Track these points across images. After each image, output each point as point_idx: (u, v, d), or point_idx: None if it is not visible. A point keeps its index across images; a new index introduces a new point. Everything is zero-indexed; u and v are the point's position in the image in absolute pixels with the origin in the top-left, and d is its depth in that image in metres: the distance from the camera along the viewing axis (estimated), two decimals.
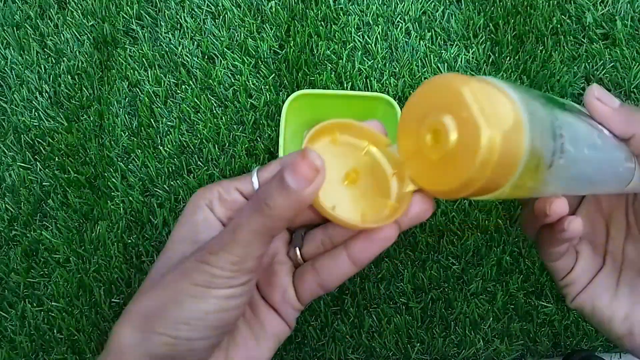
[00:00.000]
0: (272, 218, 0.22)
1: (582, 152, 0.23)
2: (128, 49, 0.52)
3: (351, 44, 0.52)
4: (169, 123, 0.50)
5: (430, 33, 0.53)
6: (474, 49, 0.52)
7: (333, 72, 0.51)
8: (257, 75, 0.51)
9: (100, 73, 0.51)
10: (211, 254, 0.23)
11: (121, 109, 0.51)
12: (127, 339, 0.23)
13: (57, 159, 0.49)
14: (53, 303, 0.47)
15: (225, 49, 0.51)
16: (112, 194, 0.49)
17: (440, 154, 0.20)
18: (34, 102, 0.50)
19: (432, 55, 0.52)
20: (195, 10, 0.52)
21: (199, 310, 0.23)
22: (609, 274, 0.29)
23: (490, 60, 0.52)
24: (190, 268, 0.23)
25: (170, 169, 0.49)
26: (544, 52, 0.52)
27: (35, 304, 0.47)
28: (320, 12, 0.53)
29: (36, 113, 0.50)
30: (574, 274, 0.29)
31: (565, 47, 0.53)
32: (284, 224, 0.22)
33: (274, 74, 0.51)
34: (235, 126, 0.51)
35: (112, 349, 0.24)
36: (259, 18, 0.52)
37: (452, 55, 0.52)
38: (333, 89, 0.51)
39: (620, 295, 0.29)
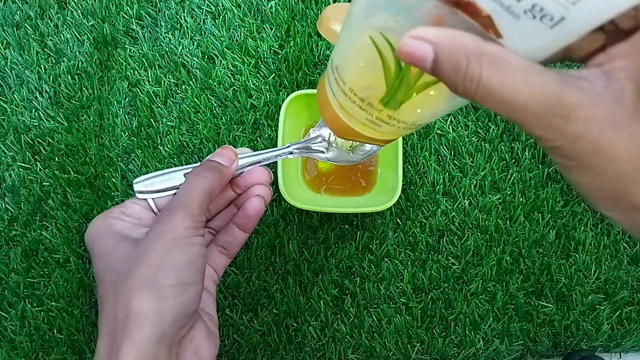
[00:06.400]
0: (216, 181, 0.31)
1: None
2: (128, 49, 0.52)
3: None
4: (169, 123, 0.50)
5: None
6: None
7: None
8: (257, 75, 0.51)
9: (100, 73, 0.51)
10: (176, 212, 0.29)
11: (121, 109, 0.51)
12: (145, 304, 0.27)
13: (57, 159, 0.49)
14: (53, 303, 0.47)
15: (225, 49, 0.51)
16: (112, 194, 0.49)
17: None
18: (34, 102, 0.50)
19: None
20: (195, 10, 0.52)
21: (190, 255, 0.28)
22: None
23: None
24: (163, 230, 0.29)
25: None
26: None
27: (35, 304, 0.47)
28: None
29: (36, 113, 0.50)
30: None
31: None
32: (221, 186, 0.32)
33: (274, 74, 0.51)
34: (235, 126, 0.51)
35: (131, 318, 0.26)
36: (259, 18, 0.52)
37: None
38: None
39: None
